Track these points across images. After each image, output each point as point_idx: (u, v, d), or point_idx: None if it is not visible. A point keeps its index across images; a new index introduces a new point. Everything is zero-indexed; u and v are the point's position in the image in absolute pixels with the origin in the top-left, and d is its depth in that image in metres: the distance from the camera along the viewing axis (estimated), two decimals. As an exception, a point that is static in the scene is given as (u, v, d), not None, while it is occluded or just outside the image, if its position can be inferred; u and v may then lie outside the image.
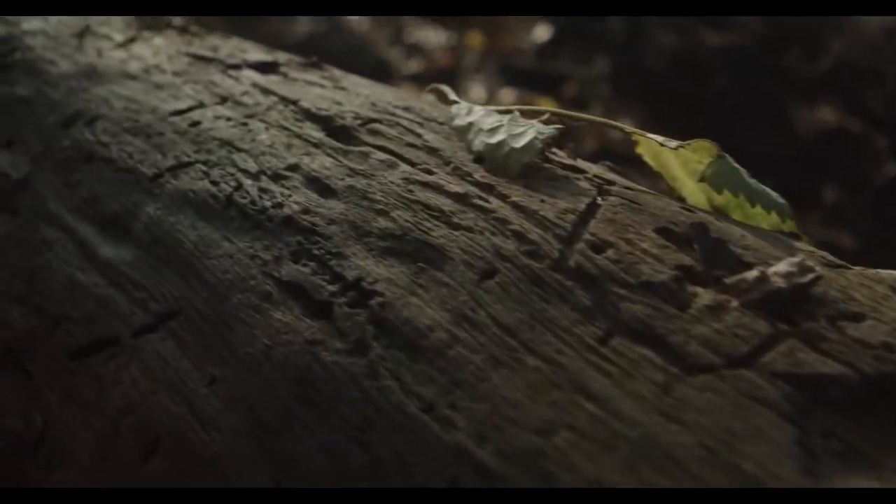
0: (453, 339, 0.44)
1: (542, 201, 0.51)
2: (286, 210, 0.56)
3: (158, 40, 0.84)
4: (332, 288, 0.50)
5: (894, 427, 0.37)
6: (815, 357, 0.39)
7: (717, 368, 0.40)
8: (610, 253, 0.47)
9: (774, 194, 0.56)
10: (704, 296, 0.43)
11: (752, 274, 0.44)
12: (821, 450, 0.36)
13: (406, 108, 0.65)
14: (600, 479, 0.37)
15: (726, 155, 0.56)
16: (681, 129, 0.77)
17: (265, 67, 0.76)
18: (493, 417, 0.40)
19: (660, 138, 0.59)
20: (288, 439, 0.44)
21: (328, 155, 0.60)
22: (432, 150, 0.59)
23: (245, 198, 0.58)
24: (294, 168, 0.59)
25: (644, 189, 0.55)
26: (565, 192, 0.53)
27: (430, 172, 0.56)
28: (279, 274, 0.52)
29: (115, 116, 0.71)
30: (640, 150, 0.64)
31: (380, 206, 0.54)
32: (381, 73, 2.13)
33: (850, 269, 0.48)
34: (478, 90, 2.31)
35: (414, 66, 2.48)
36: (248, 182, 0.59)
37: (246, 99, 0.70)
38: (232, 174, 0.60)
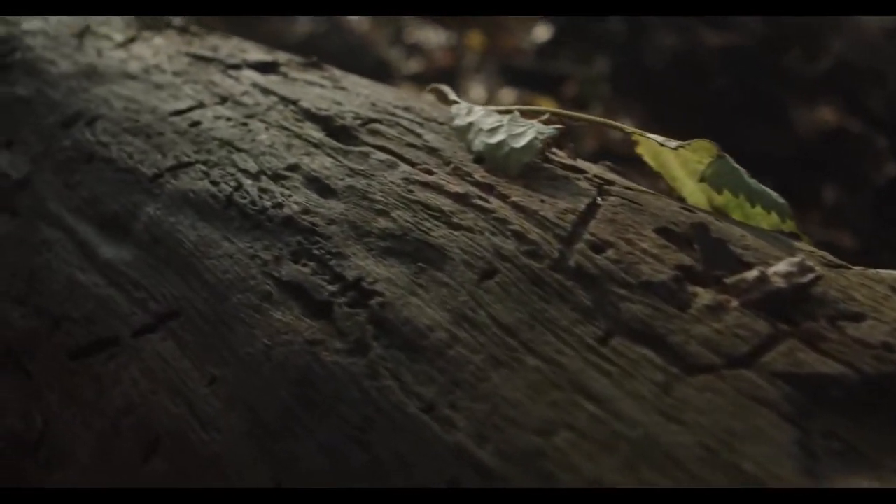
0: (453, 339, 0.44)
1: (542, 201, 0.51)
2: (286, 210, 0.56)
3: (158, 40, 0.84)
4: (332, 288, 0.50)
5: (894, 427, 0.37)
6: (816, 357, 0.39)
7: (717, 368, 0.40)
8: (610, 253, 0.47)
9: (774, 194, 0.56)
10: (704, 296, 0.43)
11: (752, 274, 0.44)
12: (821, 450, 0.36)
13: (406, 108, 0.65)
14: (600, 479, 0.37)
15: (726, 155, 0.56)
16: (681, 129, 0.77)
17: (265, 67, 0.76)
18: (493, 417, 0.40)
19: (660, 138, 0.59)
20: (288, 439, 0.44)
21: (328, 155, 0.60)
22: (432, 150, 0.59)
23: (245, 198, 0.58)
24: (294, 168, 0.59)
25: (644, 189, 0.55)
26: (565, 192, 0.53)
27: (430, 172, 0.56)
28: (279, 274, 0.52)
29: (115, 116, 0.71)
30: (640, 150, 0.64)
31: (380, 206, 0.54)
32: (381, 73, 2.13)
33: (850, 269, 0.48)
34: (478, 90, 2.31)
35: (414, 66, 2.48)
36: (248, 182, 0.59)
37: (246, 99, 0.70)
38: (232, 174, 0.60)
